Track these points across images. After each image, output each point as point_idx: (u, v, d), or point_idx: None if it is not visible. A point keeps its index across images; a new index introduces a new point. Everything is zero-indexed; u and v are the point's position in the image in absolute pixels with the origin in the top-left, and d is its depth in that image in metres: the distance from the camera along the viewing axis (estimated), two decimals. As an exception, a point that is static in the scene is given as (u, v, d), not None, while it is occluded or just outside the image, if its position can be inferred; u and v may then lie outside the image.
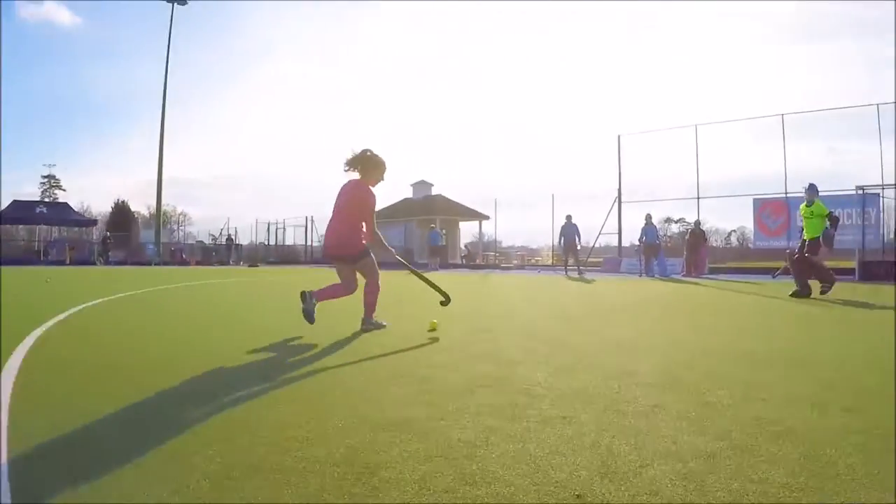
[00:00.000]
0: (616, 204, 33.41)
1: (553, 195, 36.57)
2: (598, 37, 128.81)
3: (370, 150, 7.19)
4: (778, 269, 22.78)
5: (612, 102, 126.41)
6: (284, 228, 52.65)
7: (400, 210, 47.50)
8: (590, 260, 32.33)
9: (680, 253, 29.42)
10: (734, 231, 53.73)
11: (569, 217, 26.47)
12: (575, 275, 25.28)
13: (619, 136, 34.04)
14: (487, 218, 44.44)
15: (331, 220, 7.18)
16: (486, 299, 12.34)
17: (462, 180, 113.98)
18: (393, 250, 7.58)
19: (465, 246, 47.06)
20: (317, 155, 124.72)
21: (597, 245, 33.89)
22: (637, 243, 27.13)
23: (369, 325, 7.16)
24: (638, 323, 8.12)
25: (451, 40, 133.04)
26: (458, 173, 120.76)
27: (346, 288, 7.18)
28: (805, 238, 13.10)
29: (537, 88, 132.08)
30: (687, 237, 28.51)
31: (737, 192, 30.13)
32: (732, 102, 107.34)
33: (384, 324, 7.26)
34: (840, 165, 38.55)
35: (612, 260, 32.22)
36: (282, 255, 50.42)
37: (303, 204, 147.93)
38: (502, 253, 43.05)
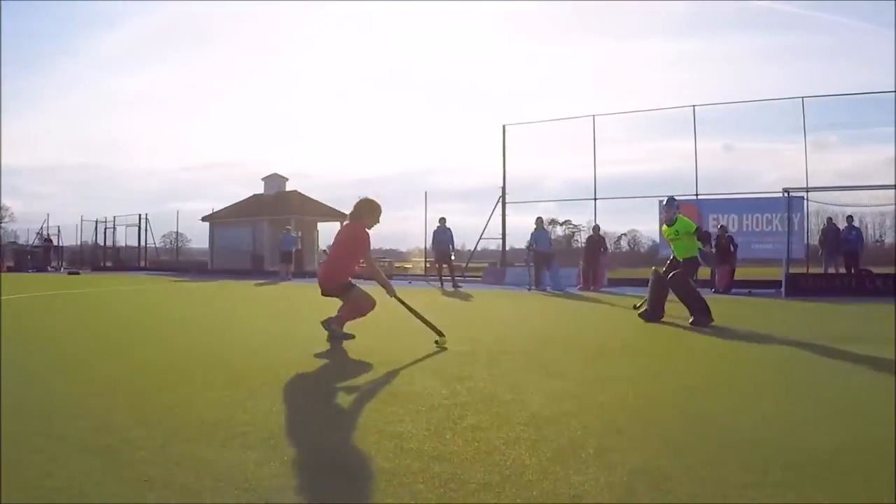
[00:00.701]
0: (500, 204, 31.04)
1: (426, 193, 34.24)
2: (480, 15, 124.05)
3: (367, 197, 8.71)
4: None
5: (495, 88, 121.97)
6: (115, 228, 48.36)
7: (248, 208, 43.44)
8: (470, 265, 30.94)
9: (572, 262, 27.80)
10: (625, 235, 51.74)
11: (442, 220, 24.71)
12: (450, 287, 23.14)
13: (503, 127, 31.61)
14: (351, 218, 39.81)
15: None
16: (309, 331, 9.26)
17: (322, 174, 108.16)
18: (392, 286, 8.66)
19: (325, 251, 42.75)
20: (155, 145, 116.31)
21: (478, 249, 30.90)
22: (526, 250, 24.77)
23: (332, 329, 8.38)
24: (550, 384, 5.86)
25: (316, 19, 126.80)
26: (317, 166, 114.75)
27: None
28: (677, 257, 11.86)
29: (408, 72, 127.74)
30: (584, 244, 27.00)
31: (638, 193, 29.18)
32: (633, 94, 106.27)
33: (348, 335, 8.34)
34: (738, 164, 36.66)
35: (495, 270, 30.02)
36: (116, 260, 46.24)
37: (135, 200, 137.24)
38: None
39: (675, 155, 34.83)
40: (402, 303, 8.50)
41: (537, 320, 12.40)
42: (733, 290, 20.84)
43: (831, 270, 23.04)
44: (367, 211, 8.66)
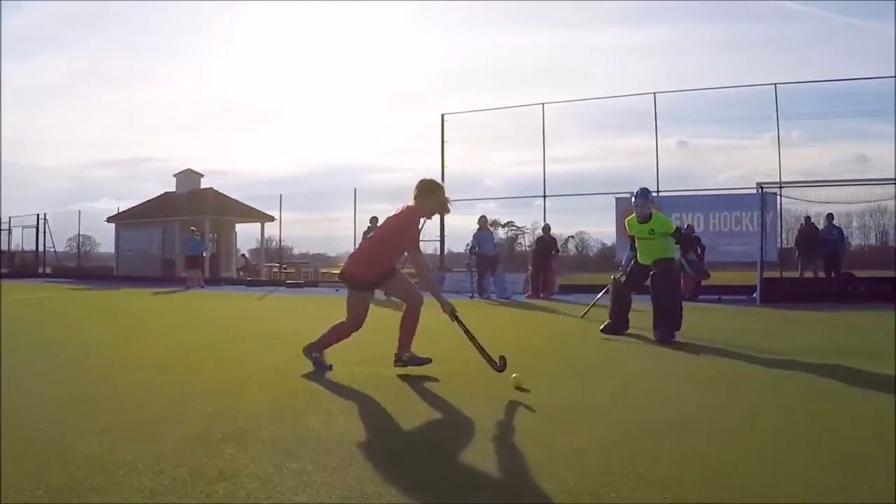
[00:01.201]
0: None
1: (355, 190, 32.38)
2: None
3: (427, 178, 7.32)
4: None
5: (435, 72, 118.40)
6: (10, 230, 45.30)
7: (157, 208, 40.68)
8: (406, 271, 26.94)
9: (517, 267, 26.60)
10: (572, 237, 49.83)
11: (373, 221, 22.48)
12: (382, 297, 20.43)
13: (442, 116, 29.70)
14: (272, 219, 37.75)
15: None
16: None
17: (241, 171, 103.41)
18: (448, 301, 7.03)
19: (244, 255, 40.23)
20: (56, 139, 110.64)
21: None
22: (468, 254, 22.95)
23: (404, 359, 7.07)
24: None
25: (237, 3, 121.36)
26: (236, 163, 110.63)
27: (351, 323, 7.14)
28: (643, 261, 10.52)
29: (338, 61, 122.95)
30: (533, 247, 25.15)
31: (590, 190, 27.64)
32: (587, 85, 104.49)
33: (426, 358, 7.09)
34: (695, 162, 35.28)
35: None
36: (11, 265, 43.36)
37: (37, 201, 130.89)
38: (292, 264, 36.64)
39: (628, 152, 33.20)
40: (459, 322, 7.05)
41: (481, 334, 10.55)
42: (700, 297, 19.33)
43: (808, 274, 21.90)
44: (424, 191, 7.16)
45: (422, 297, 7.20)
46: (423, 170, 75.09)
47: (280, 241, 39.27)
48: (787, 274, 22.53)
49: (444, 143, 29.34)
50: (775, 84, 24.13)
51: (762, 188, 20.27)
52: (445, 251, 30.17)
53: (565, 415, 5.23)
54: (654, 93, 25.52)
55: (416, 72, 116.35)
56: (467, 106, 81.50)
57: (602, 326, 10.71)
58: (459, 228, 28.63)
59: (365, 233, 21.53)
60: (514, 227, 42.18)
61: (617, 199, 25.01)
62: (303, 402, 5.68)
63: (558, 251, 24.70)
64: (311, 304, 19.32)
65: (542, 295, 21.75)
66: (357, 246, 23.26)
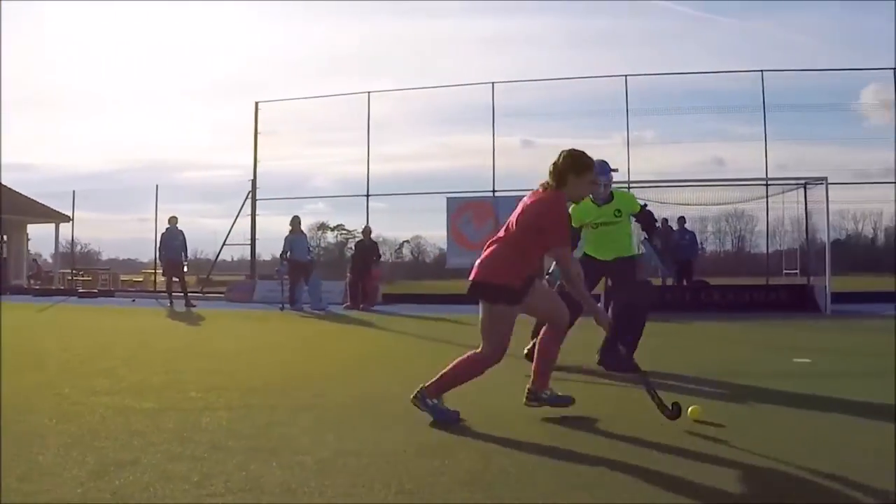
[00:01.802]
0: (249, 200, 27.04)
1: (157, 186, 29.86)
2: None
3: (573, 149, 5.53)
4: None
5: (257, 63, 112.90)
6: None
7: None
8: (215, 278, 28.29)
9: (340, 274, 24.69)
10: (407, 242, 47.24)
11: (173, 220, 21.11)
12: (183, 307, 20.17)
13: (256, 104, 27.75)
14: (68, 219, 34.39)
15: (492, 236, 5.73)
16: None
17: (39, 165, 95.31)
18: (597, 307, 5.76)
19: (35, 260, 36.82)
20: None
21: (231, 259, 26.95)
22: (280, 260, 21.03)
23: (542, 397, 5.62)
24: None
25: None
26: (28, 157, 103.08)
27: (493, 352, 5.39)
28: (598, 256, 8.25)
29: (144, 48, 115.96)
30: (352, 253, 23.65)
31: (425, 190, 26.17)
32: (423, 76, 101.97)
33: (568, 397, 5.63)
34: (539, 162, 33.72)
35: (242, 284, 26.04)
36: None
37: None
38: (89, 271, 33.52)
39: (469, 149, 31.41)
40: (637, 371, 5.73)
41: (287, 354, 10.22)
42: None
43: (669, 281, 20.98)
44: (576, 167, 5.45)
45: (568, 315, 5.67)
46: (240, 165, 72.04)
47: (73, 243, 36.12)
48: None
49: (258, 134, 27.57)
50: (626, 76, 23.69)
51: (628, 187, 19.11)
52: (258, 256, 28.18)
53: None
54: (493, 82, 24.56)
55: (236, 62, 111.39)
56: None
57: (600, 360, 8.08)
58: (272, 232, 26.52)
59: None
60: (343, 230, 39.64)
61: (448, 199, 23.91)
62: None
63: (379, 257, 23.24)
64: (96, 316, 17.89)
65: (361, 306, 20.29)
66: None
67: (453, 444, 4.64)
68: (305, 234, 21.63)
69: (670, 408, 5.26)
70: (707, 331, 13.61)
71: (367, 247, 21.53)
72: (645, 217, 8.47)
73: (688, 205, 20.75)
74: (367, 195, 25.55)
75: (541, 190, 5.49)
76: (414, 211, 30.61)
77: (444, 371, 5.44)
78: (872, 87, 24.88)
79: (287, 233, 20.33)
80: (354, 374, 7.94)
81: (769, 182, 20.74)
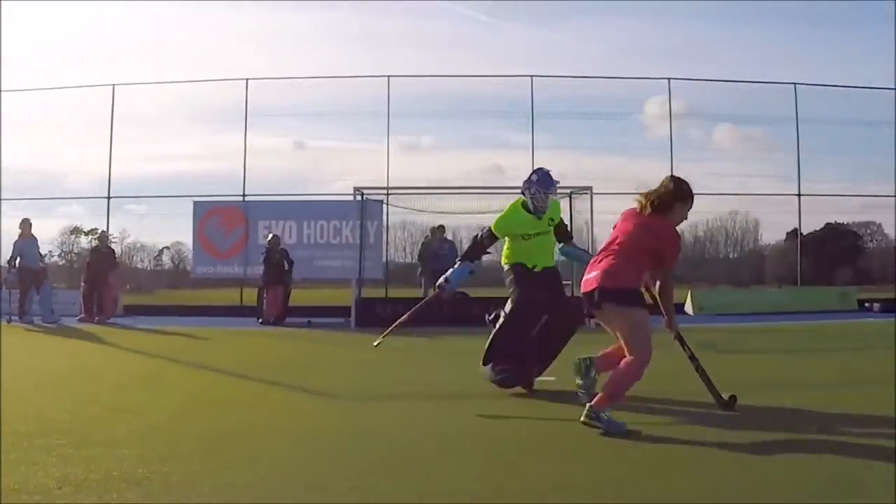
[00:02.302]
0: None
1: None
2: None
3: (677, 176, 6.14)
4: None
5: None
6: None
7: None
8: None
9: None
10: (167, 248, 44.82)
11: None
12: None
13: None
14: None
15: (602, 252, 6.05)
16: None
17: None
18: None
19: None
20: None
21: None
22: (8, 268, 19.36)
23: (602, 419, 5.61)
24: None
25: None
26: None
27: (647, 354, 5.73)
28: (540, 264, 7.86)
29: None
30: (87, 259, 21.65)
31: (172, 192, 24.88)
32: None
33: (622, 425, 5.60)
34: (312, 165, 32.75)
35: None
36: None
37: None
38: None
39: (235, 152, 29.82)
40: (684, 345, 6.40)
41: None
42: (287, 320, 17.88)
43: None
44: (682, 197, 5.88)
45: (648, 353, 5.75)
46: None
47: None
48: (400, 294, 21.46)
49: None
50: (388, 77, 22.79)
51: (363, 194, 18.84)
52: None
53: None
54: (247, 79, 23.11)
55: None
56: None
57: (498, 375, 7.59)
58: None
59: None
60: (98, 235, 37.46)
61: (195, 202, 22.45)
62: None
63: (117, 264, 21.77)
64: None
65: (96, 318, 18.80)
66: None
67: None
68: (37, 239, 19.62)
69: (726, 399, 6.23)
70: (448, 346, 13.19)
71: (104, 254, 20.05)
72: (562, 224, 8.25)
73: (450, 213, 20.09)
74: (108, 197, 23.63)
75: (639, 210, 5.95)
76: (175, 215, 28.91)
77: (610, 383, 5.67)
78: (657, 99, 25.31)
79: (17, 237, 18.56)
80: (28, 399, 7.09)
81: (534, 191, 20.09)
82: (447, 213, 19.92)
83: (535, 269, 7.82)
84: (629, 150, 30.32)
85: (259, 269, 18.41)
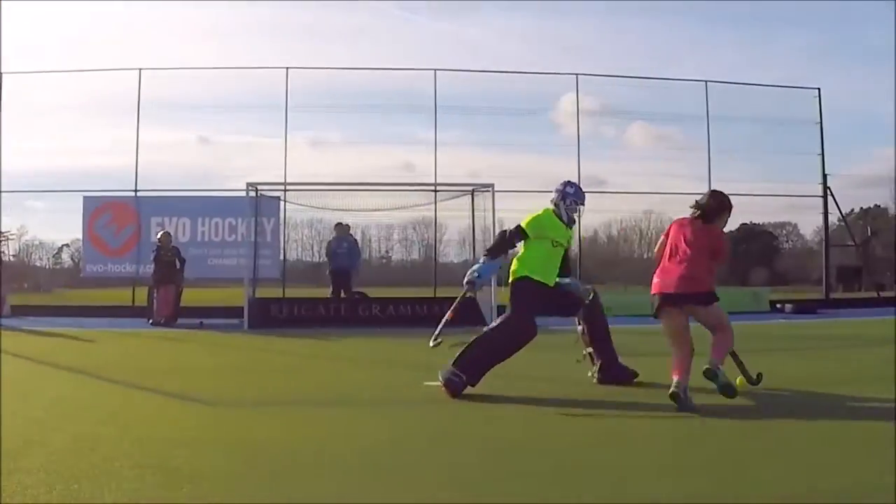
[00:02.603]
0: None
1: None
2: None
3: (719, 190, 7.67)
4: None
5: None
6: None
7: None
8: None
9: None
10: (67, 245, 43.09)
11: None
12: None
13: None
14: None
15: (673, 258, 7.28)
16: None
17: None
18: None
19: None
20: None
21: None
22: None
23: (716, 374, 6.91)
24: None
25: None
26: None
27: (730, 329, 7.34)
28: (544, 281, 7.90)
29: None
30: None
31: (70, 187, 22.85)
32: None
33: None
34: (220, 161, 31.63)
35: None
36: None
37: None
38: None
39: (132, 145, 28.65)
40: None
41: None
42: (180, 322, 17.12)
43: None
44: (725, 207, 7.43)
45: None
46: None
47: None
48: (298, 293, 20.67)
49: None
50: (287, 68, 22.06)
51: (257, 190, 18.04)
52: None
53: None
54: (140, 69, 21.96)
55: None
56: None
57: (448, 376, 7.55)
58: None
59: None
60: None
61: (85, 198, 21.36)
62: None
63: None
64: None
65: None
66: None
67: None
68: None
69: (755, 377, 7.44)
70: (336, 349, 12.72)
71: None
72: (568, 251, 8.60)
73: (352, 210, 19.43)
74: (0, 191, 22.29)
75: (692, 221, 7.27)
76: (73, 211, 27.68)
77: (716, 342, 7.06)
78: (571, 96, 24.88)
79: None
80: None
81: (437, 188, 19.86)
82: (348, 210, 19.42)
83: (548, 286, 7.89)
84: (541, 147, 30.07)
85: (151, 268, 17.56)
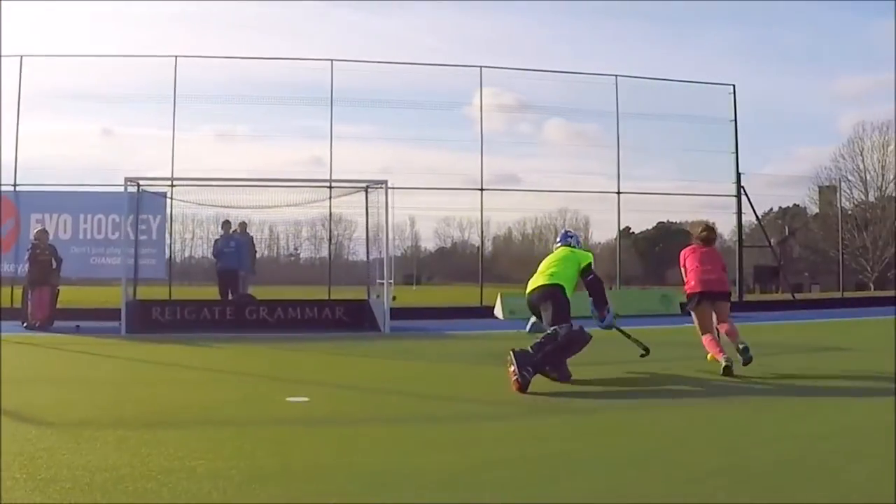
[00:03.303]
0: None
1: None
2: None
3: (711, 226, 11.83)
4: None
5: None
6: None
7: None
8: None
9: None
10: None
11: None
12: None
13: None
14: None
15: (703, 267, 10.12)
16: None
17: None
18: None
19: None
20: None
21: None
22: None
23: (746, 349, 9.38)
24: None
25: None
26: None
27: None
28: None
29: None
30: None
31: None
32: None
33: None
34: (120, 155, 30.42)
35: None
36: None
37: None
38: None
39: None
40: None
41: None
42: (56, 324, 16.33)
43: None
44: (716, 237, 11.92)
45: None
46: None
47: None
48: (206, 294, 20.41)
49: None
50: (175, 56, 21.22)
51: (138, 185, 17.35)
52: None
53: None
54: (21, 56, 20.91)
55: None
56: None
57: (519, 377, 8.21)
58: None
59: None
60: None
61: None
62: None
63: None
64: None
65: None
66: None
67: None
68: None
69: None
70: (222, 356, 12.17)
71: None
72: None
73: (237, 207, 18.66)
74: None
75: (702, 245, 10.24)
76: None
77: (732, 330, 9.61)
78: (486, 91, 24.36)
79: None
80: None
81: (332, 185, 19.24)
82: (235, 207, 18.71)
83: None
84: (458, 143, 29.63)
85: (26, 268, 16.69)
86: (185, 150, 21.69)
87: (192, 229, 22.61)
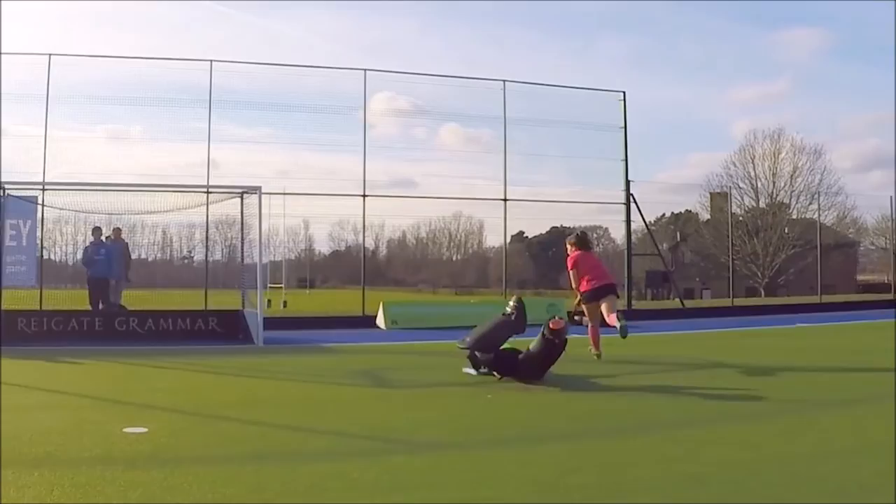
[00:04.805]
0: None
1: None
2: None
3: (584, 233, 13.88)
4: None
5: None
6: None
7: None
8: None
9: None
10: None
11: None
12: None
13: None
14: None
15: (595, 269, 12.41)
16: None
17: None
18: None
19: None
20: None
21: None
22: None
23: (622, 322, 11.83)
24: None
25: None
26: None
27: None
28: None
29: None
30: None
31: None
32: None
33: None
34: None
35: None
36: None
37: None
38: None
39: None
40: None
41: None
42: None
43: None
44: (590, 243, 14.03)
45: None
46: None
47: None
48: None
49: None
50: (49, 55, 20.32)
51: (4, 189, 16.35)
52: None
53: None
54: None
55: None
56: None
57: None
58: None
59: None
60: None
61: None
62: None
63: None
64: None
65: None
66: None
67: None
68: None
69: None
70: (76, 375, 11.32)
71: None
72: None
73: (107, 213, 18.04)
74: None
75: (585, 250, 12.59)
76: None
77: (617, 313, 12.01)
78: (381, 95, 24.11)
79: None
80: None
81: (210, 190, 18.93)
82: (109, 213, 18.17)
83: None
84: (348, 146, 29.29)
85: None
86: (76, 151, 21.08)
87: (70, 233, 21.79)
